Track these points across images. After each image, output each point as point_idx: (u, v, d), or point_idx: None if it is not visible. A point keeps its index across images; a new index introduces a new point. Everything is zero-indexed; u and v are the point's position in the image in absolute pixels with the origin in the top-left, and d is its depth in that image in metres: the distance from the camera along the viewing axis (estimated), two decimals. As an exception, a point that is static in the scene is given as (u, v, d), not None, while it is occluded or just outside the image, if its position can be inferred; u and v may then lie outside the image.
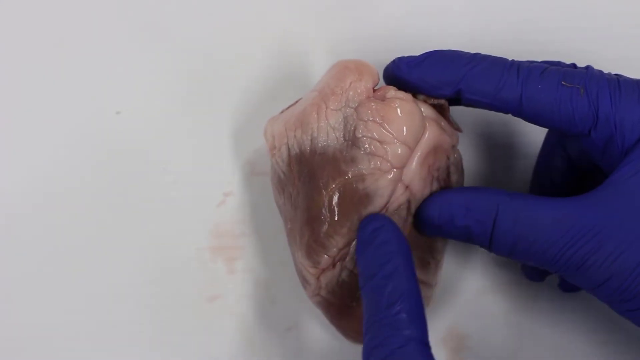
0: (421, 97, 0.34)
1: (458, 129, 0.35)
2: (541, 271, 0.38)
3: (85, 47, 0.43)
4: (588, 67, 0.32)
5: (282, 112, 0.36)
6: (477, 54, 0.33)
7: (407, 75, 0.33)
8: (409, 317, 0.28)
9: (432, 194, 0.34)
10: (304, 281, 0.35)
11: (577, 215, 0.29)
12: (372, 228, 0.31)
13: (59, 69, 0.43)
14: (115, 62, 0.43)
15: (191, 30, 0.43)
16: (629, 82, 0.31)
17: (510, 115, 0.35)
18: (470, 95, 0.32)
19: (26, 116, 0.43)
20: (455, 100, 0.34)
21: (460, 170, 0.36)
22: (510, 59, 0.32)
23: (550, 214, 0.30)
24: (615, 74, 0.32)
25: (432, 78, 0.33)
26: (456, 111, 0.36)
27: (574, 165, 0.36)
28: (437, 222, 0.32)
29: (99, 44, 0.43)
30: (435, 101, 0.34)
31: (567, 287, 0.38)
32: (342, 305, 0.34)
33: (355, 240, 0.32)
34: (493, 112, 0.35)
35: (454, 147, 0.35)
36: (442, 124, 0.34)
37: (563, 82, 0.31)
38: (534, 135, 0.40)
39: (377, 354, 0.27)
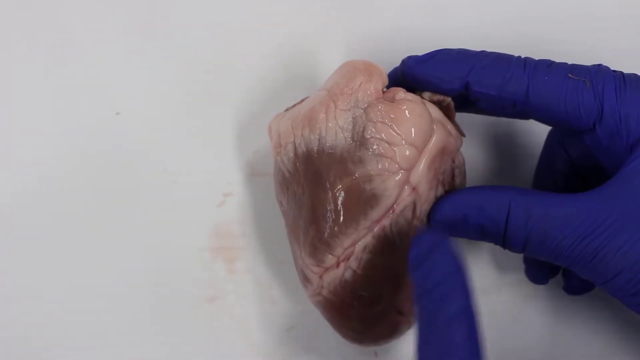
0: (426, 95, 0.34)
1: (462, 134, 0.36)
2: (545, 274, 0.38)
3: (85, 48, 0.43)
4: (597, 65, 0.33)
5: (287, 110, 0.37)
6: (483, 51, 0.34)
7: (416, 71, 0.34)
8: (465, 337, 0.26)
9: (444, 195, 0.34)
10: (305, 280, 0.35)
11: (588, 209, 0.30)
12: (428, 244, 0.29)
13: (59, 70, 0.43)
14: (115, 62, 0.43)
15: (192, 32, 0.43)
16: (635, 77, 0.32)
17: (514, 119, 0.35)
18: (478, 88, 0.33)
19: (26, 116, 0.42)
20: (462, 102, 0.35)
21: (464, 174, 0.36)
22: (517, 55, 0.33)
23: (562, 209, 0.30)
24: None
25: (441, 72, 0.33)
26: (460, 112, 0.36)
27: (576, 167, 0.36)
28: (451, 222, 0.33)
29: (99, 45, 0.43)
30: (441, 97, 0.34)
31: (572, 290, 0.38)
32: (343, 305, 0.34)
33: (409, 254, 0.30)
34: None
35: (458, 150, 0.35)
36: (449, 127, 0.34)
37: (570, 75, 0.32)
38: (537, 136, 0.41)
39: None
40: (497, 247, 0.34)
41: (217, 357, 0.40)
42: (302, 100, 0.36)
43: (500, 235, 0.32)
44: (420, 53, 0.35)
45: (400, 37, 0.42)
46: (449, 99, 0.34)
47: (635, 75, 0.32)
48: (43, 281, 0.41)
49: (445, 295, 0.27)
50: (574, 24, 0.42)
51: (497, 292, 0.41)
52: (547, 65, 0.32)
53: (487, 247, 0.41)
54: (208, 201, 0.42)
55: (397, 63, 0.36)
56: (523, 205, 0.31)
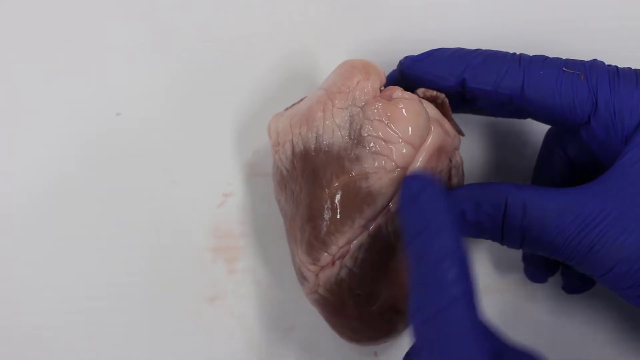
0: (420, 91, 0.34)
1: (460, 133, 0.35)
2: (544, 272, 0.38)
3: (86, 49, 0.43)
4: (592, 60, 0.33)
5: (286, 109, 0.37)
6: (479, 49, 0.34)
7: (413, 70, 0.34)
8: (456, 275, 0.26)
9: None
10: (302, 278, 0.35)
11: (583, 202, 0.30)
12: (417, 185, 0.29)
13: (59, 71, 0.43)
14: (115, 63, 0.43)
15: (192, 32, 0.43)
16: (628, 70, 0.32)
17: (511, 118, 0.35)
18: (474, 85, 0.33)
19: (27, 117, 0.42)
20: (460, 101, 0.35)
21: (461, 174, 0.36)
22: (512, 52, 0.33)
23: (557, 203, 0.30)
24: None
25: (437, 70, 0.34)
26: (459, 113, 0.36)
27: (574, 165, 0.36)
28: None
29: (99, 46, 0.43)
30: (434, 93, 0.34)
31: (571, 289, 0.38)
32: (339, 304, 0.34)
33: (397, 197, 0.31)
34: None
35: (455, 150, 0.35)
36: (446, 126, 0.34)
37: (564, 69, 0.32)
38: (535, 136, 0.41)
39: (421, 313, 0.26)
40: (497, 247, 0.34)
41: (217, 357, 0.40)
42: (301, 100, 0.36)
43: (498, 231, 0.32)
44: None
45: (400, 38, 0.42)
46: (442, 96, 0.34)
47: (629, 68, 0.32)
48: (43, 281, 0.41)
49: (436, 233, 0.27)
50: (571, 26, 0.42)
51: (497, 292, 0.40)
52: (542, 60, 0.32)
53: (486, 247, 0.41)
54: (208, 201, 0.42)
55: (397, 64, 0.36)
56: (519, 200, 0.31)
